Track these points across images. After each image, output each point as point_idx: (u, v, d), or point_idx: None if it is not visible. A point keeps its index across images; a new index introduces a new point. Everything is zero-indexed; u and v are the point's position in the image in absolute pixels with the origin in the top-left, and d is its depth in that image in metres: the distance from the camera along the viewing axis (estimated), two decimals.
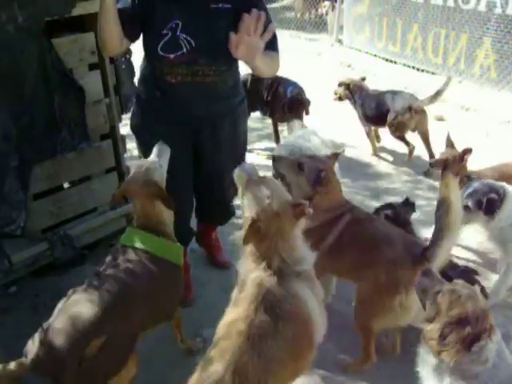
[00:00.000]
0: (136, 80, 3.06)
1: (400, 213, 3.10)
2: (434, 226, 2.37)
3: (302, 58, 8.91)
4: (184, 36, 2.38)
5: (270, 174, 2.94)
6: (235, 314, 1.93)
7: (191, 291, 3.19)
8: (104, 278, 2.21)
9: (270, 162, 3.24)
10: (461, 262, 3.26)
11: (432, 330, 1.79)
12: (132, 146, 4.65)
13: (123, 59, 3.46)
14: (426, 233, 3.00)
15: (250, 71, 3.04)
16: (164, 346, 2.80)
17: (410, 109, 4.77)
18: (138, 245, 2.37)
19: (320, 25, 11.02)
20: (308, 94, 5.08)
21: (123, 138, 3.59)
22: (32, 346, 1.97)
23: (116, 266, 2.27)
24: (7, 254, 2.96)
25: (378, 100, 5.01)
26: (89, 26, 3.06)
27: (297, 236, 2.04)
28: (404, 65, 8.51)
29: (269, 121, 5.61)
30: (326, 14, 10.96)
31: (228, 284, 2.38)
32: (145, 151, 2.72)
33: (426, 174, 4.83)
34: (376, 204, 3.79)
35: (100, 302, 2.07)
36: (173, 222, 2.56)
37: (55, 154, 3.09)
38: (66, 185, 3.46)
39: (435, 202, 2.41)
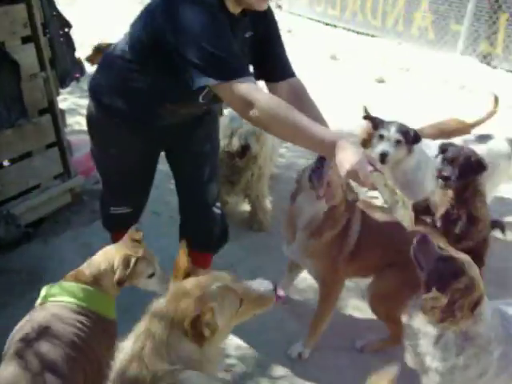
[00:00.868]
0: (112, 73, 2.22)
1: None
2: None
3: None
4: None
5: None
6: None
7: None
8: None
9: None
10: None
11: (435, 298, 1.79)
12: (73, 121, 4.57)
13: (61, 32, 3.32)
14: None
15: None
16: None
17: None
18: None
19: None
20: None
21: (62, 112, 3.47)
22: None
23: None
24: None
25: None
26: None
27: None
28: (344, 28, 8.58)
29: None
30: None
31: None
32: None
33: None
34: None
35: None
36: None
37: None
38: (5, 163, 3.35)
39: None
